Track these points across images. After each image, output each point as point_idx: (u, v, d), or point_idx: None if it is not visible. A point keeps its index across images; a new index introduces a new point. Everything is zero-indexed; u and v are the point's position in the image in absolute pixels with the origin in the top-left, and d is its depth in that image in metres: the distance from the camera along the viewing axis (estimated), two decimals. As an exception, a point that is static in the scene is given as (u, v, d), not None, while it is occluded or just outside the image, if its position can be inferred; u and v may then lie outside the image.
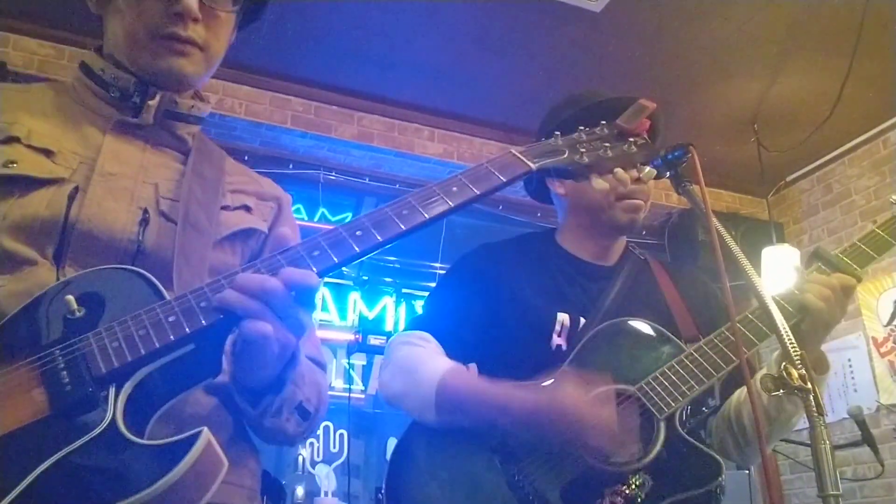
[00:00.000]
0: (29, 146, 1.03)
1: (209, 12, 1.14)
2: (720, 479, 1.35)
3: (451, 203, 0.99)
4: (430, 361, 1.48)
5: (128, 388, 0.84)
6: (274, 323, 0.87)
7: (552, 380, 1.40)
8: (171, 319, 0.86)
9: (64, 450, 0.77)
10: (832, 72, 3.73)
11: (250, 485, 1.11)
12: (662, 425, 1.38)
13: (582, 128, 1.16)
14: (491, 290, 1.60)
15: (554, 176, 1.12)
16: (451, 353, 1.51)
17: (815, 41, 3.58)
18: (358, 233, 0.95)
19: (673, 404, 1.38)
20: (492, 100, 4.08)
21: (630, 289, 1.62)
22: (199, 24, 1.12)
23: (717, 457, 1.37)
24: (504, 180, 1.03)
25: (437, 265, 4.64)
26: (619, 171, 1.16)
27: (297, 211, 4.53)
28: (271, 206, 1.26)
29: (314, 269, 0.91)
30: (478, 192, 1.01)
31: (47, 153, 1.03)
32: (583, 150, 1.12)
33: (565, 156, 1.10)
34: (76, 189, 1.02)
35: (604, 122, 1.17)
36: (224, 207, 1.17)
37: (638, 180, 1.46)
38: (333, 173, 4.15)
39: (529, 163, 1.07)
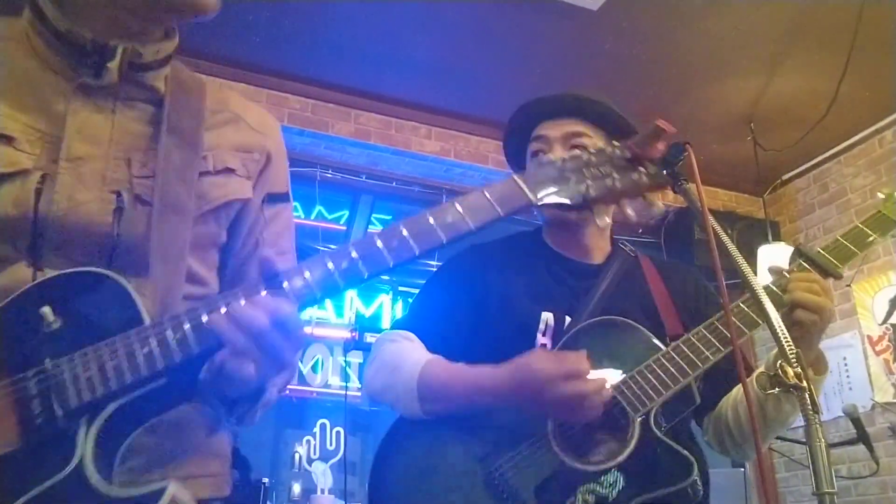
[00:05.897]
0: None
1: None
2: (692, 477, 1.35)
3: (444, 238, 0.94)
4: (413, 355, 1.51)
5: (99, 422, 0.83)
6: (257, 359, 0.85)
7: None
8: (145, 351, 0.84)
9: (28, 493, 0.76)
10: (828, 71, 3.73)
11: (219, 471, 1.11)
12: (637, 424, 1.38)
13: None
14: (477, 291, 1.60)
15: (556, 210, 1.02)
16: (434, 352, 1.53)
17: (811, 40, 3.59)
18: (343, 264, 0.90)
19: (648, 403, 1.38)
20: (489, 97, 4.07)
21: (617, 287, 1.62)
22: None
23: (690, 456, 1.37)
24: (502, 214, 0.96)
25: (433, 263, 4.62)
26: (629, 211, 1.07)
27: (294, 209, 4.52)
28: (256, 158, 1.18)
29: (296, 303, 0.88)
30: (473, 227, 0.95)
31: (8, 140, 0.96)
32: (589, 177, 1.01)
33: (570, 184, 1.00)
34: (43, 178, 0.96)
35: (615, 143, 1.06)
36: (205, 173, 1.08)
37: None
38: (330, 171, 4.13)
39: (531, 195, 0.98)
